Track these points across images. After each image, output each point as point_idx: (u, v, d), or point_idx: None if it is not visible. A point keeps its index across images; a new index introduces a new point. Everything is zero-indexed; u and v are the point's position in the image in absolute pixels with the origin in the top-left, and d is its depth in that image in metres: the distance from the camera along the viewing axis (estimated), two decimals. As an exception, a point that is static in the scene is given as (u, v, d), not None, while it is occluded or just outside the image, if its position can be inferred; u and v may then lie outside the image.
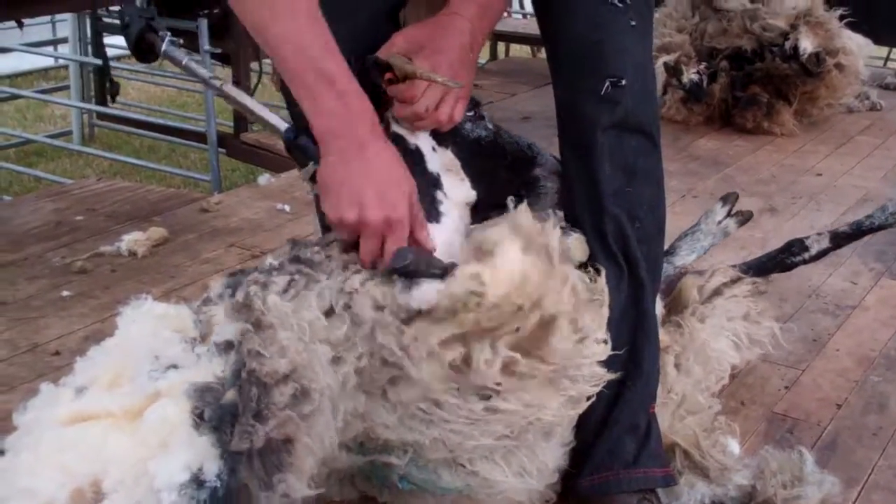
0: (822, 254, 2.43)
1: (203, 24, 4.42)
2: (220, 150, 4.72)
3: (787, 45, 4.53)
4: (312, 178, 1.61)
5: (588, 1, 1.77)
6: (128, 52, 6.15)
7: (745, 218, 2.55)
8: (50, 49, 7.21)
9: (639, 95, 1.79)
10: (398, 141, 1.70)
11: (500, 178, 1.83)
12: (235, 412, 1.33)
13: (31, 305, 2.73)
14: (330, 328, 1.44)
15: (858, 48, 4.70)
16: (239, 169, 5.59)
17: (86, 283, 2.86)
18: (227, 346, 1.41)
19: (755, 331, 2.11)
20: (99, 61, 5.84)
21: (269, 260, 1.55)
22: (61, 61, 6.76)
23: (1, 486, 1.29)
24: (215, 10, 4.56)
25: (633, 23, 1.77)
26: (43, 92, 6.81)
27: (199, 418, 1.32)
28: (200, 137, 4.91)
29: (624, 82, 1.74)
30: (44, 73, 7.69)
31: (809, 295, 2.91)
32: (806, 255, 2.40)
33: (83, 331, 2.58)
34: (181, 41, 2.18)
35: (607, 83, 1.75)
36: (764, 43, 4.61)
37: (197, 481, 1.29)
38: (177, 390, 1.35)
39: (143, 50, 1.96)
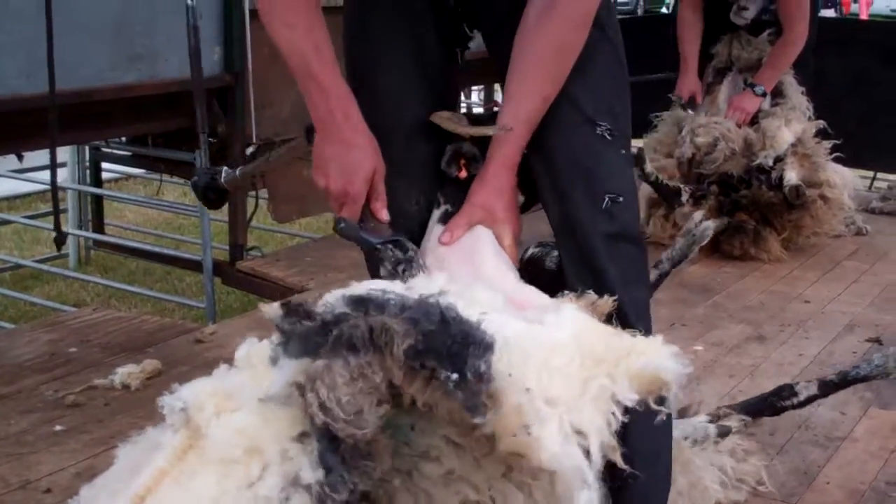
0: (809, 400, 2.48)
1: (200, 154, 4.50)
2: (216, 277, 4.76)
3: (774, 174, 4.63)
4: None
5: (582, 132, 1.95)
6: (124, 176, 6.27)
7: None
8: (43, 174, 7.27)
9: (633, 213, 2.00)
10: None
11: None
12: None
13: (24, 440, 2.74)
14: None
15: (843, 181, 4.80)
16: (234, 292, 5.63)
17: (79, 418, 2.87)
18: None
19: (741, 468, 2.12)
20: (95, 189, 5.95)
21: None
22: (59, 182, 6.83)
23: None
24: (213, 140, 4.65)
25: (623, 151, 1.99)
26: (40, 216, 6.88)
27: None
28: (196, 265, 4.96)
29: (622, 199, 1.93)
30: (41, 195, 7.77)
31: (800, 426, 2.92)
32: (794, 401, 2.44)
33: (74, 467, 2.58)
34: (236, 171, 2.49)
35: (606, 199, 1.92)
36: (751, 169, 4.70)
37: None
38: None
39: (210, 199, 2.39)
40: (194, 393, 1.53)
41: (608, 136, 1.95)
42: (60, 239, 4.45)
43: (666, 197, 4.66)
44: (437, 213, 1.99)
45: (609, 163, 1.97)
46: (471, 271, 1.86)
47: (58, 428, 2.80)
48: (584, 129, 1.96)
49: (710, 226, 2.87)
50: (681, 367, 1.56)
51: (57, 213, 4.44)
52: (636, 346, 1.60)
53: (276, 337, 1.46)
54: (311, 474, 1.38)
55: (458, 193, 1.98)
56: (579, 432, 1.50)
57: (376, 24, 2.12)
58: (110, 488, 1.54)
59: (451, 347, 1.43)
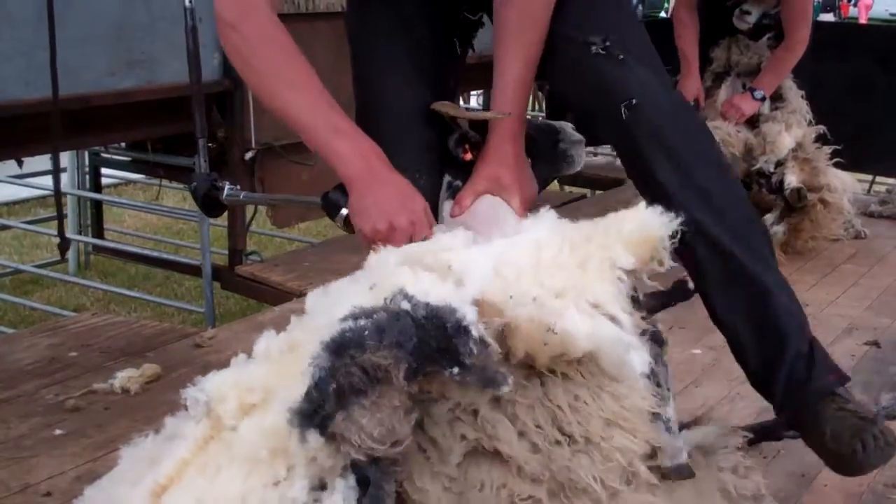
0: None
1: (199, 160, 4.51)
2: (215, 281, 4.77)
3: (774, 178, 4.64)
4: (347, 223, 1.99)
5: (578, 51, 2.07)
6: (124, 181, 6.27)
7: None
8: (42, 179, 7.26)
9: (657, 103, 2.07)
10: None
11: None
12: None
13: (24, 444, 2.73)
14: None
15: (843, 186, 4.80)
16: (234, 296, 5.64)
17: (79, 422, 2.87)
18: None
19: (742, 484, 2.12)
20: (94, 195, 5.96)
21: None
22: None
23: None
24: (212, 145, 4.66)
25: (622, 56, 2.05)
26: (40, 221, 6.89)
27: None
28: (195, 269, 4.97)
29: (634, 101, 2.02)
30: (41, 200, 7.78)
31: (797, 429, 2.92)
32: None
33: (74, 471, 2.58)
34: (238, 187, 2.42)
35: (622, 108, 2.03)
36: (752, 173, 4.71)
37: None
38: None
39: (209, 206, 2.41)
40: (216, 385, 1.55)
41: (602, 52, 2.05)
42: (64, 245, 4.47)
43: None
44: (446, 191, 2.11)
45: (613, 71, 2.05)
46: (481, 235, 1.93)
47: (58, 432, 2.80)
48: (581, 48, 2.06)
49: None
50: (668, 225, 1.71)
51: (60, 218, 4.47)
52: (621, 215, 1.74)
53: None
54: (344, 486, 1.43)
55: (463, 172, 2.10)
56: (597, 306, 1.62)
57: (373, 20, 2.20)
58: (116, 487, 1.56)
59: (439, 347, 1.50)
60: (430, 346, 1.50)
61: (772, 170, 4.65)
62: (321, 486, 1.45)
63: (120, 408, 2.97)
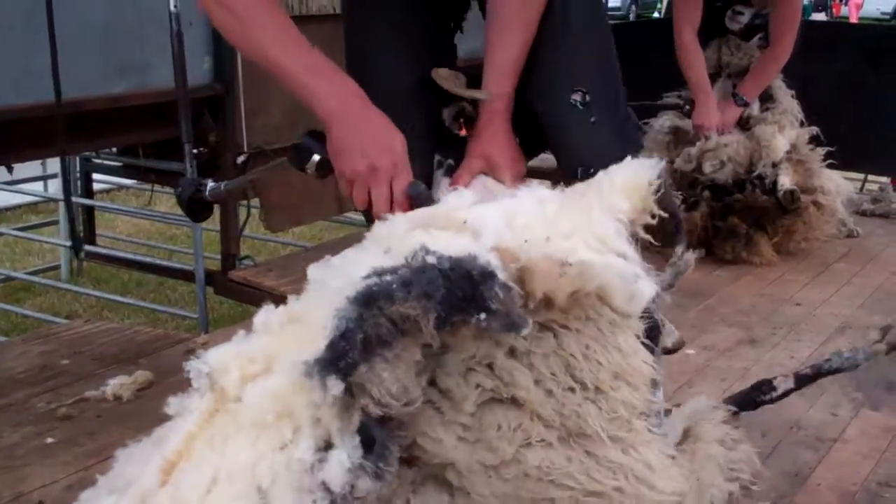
0: (787, 393, 2.47)
1: (187, 164, 4.50)
2: (208, 287, 4.76)
3: (768, 180, 4.63)
4: (319, 168, 1.97)
5: (557, 107, 2.15)
6: (116, 187, 6.25)
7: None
8: (33, 185, 7.25)
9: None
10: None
11: None
12: None
13: (15, 453, 2.73)
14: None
15: (837, 188, 4.80)
16: (227, 302, 5.63)
17: (71, 430, 2.86)
18: None
19: (732, 456, 2.12)
20: (86, 200, 5.94)
21: None
22: (51, 193, 6.82)
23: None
24: (202, 150, 4.65)
25: (593, 119, 2.14)
26: (31, 227, 6.88)
27: None
28: (188, 275, 4.96)
29: (592, 171, 2.00)
30: (33, 207, 7.77)
31: (791, 427, 2.93)
32: (773, 395, 2.44)
33: (66, 480, 2.57)
34: (221, 185, 2.39)
35: (579, 171, 2.09)
36: (744, 175, 4.70)
37: None
38: None
39: (195, 210, 2.40)
40: (218, 357, 1.56)
41: (580, 106, 2.13)
42: (77, 245, 4.48)
43: None
44: (440, 170, 2.17)
45: (579, 135, 2.15)
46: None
47: (49, 440, 2.79)
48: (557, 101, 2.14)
49: (692, 257, 2.88)
50: (655, 171, 1.81)
51: (73, 219, 4.45)
52: (613, 169, 1.83)
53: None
54: (348, 445, 1.44)
55: (457, 149, 2.16)
56: (604, 243, 1.71)
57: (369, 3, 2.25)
58: (112, 490, 1.56)
59: (466, 295, 1.53)
60: (456, 296, 1.53)
61: (767, 172, 4.65)
62: (326, 447, 1.46)
63: (112, 415, 2.96)
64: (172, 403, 1.63)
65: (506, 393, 1.63)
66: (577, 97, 2.11)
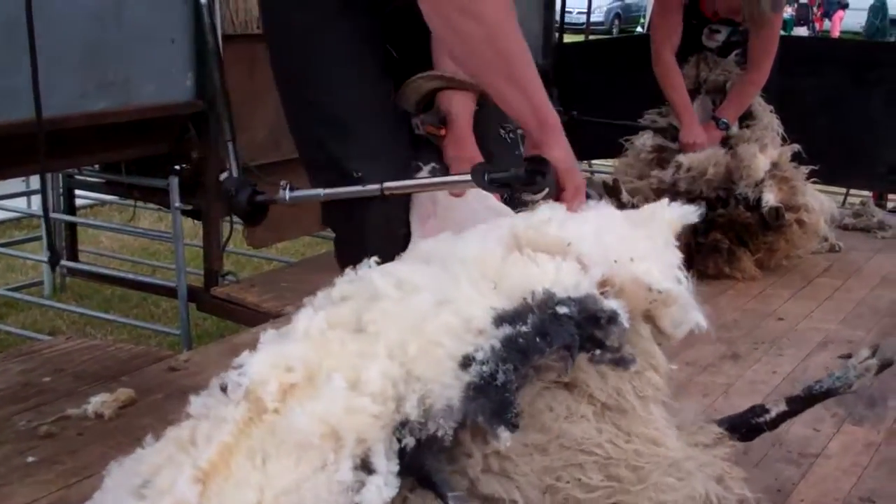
0: (781, 418, 2.48)
1: (174, 181, 4.50)
2: (191, 303, 4.75)
3: (752, 196, 4.63)
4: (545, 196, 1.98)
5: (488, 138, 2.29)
6: (99, 202, 6.20)
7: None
8: (16, 201, 7.20)
9: None
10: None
11: None
12: None
13: (-4, 473, 2.72)
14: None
15: (821, 207, 4.82)
16: (210, 318, 5.61)
17: (52, 448, 2.84)
18: None
19: (725, 496, 2.12)
20: (69, 217, 5.92)
21: None
22: (34, 209, 6.78)
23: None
24: (186, 166, 4.64)
25: (517, 152, 2.27)
26: (13, 243, 6.84)
27: None
28: (171, 291, 4.94)
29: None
30: (17, 222, 7.73)
31: (773, 443, 2.93)
32: (767, 418, 2.45)
33: (47, 499, 2.56)
34: (290, 186, 2.28)
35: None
36: (724, 193, 4.71)
37: None
38: None
39: (250, 213, 2.31)
40: (255, 366, 1.57)
41: (508, 139, 2.30)
42: (54, 260, 4.46)
43: None
44: (425, 172, 2.26)
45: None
46: (482, 209, 2.14)
47: (30, 459, 2.77)
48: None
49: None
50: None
51: (51, 233, 4.44)
52: (658, 205, 2.04)
53: None
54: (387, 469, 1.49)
55: (433, 154, 2.27)
56: (672, 270, 1.89)
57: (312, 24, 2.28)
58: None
59: (590, 335, 1.69)
60: (584, 337, 1.67)
61: (748, 193, 4.66)
62: (364, 467, 1.48)
63: (93, 434, 2.94)
64: (194, 403, 1.63)
65: (567, 378, 1.73)
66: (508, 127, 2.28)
